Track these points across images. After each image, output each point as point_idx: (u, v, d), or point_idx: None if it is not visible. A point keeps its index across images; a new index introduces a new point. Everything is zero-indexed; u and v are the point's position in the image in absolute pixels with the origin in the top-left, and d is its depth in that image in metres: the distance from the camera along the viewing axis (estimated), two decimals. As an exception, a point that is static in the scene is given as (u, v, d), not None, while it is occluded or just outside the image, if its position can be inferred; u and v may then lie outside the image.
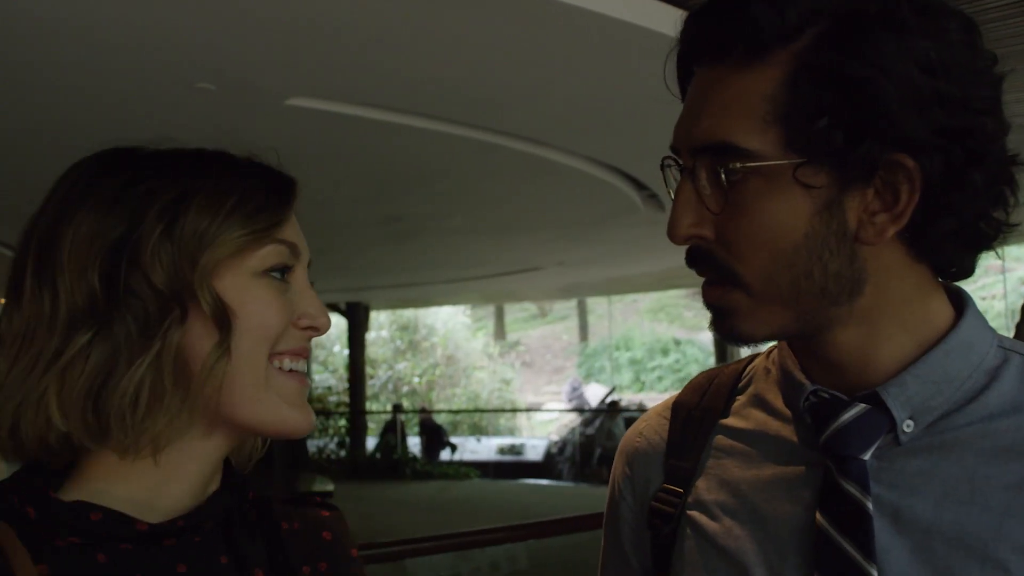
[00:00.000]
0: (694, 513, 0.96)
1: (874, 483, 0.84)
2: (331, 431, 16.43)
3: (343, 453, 15.52)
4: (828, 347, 0.86)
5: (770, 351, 0.98)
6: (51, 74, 3.74)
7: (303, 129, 4.48)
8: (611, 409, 15.38)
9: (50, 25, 3.26)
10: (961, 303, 0.89)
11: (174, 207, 0.81)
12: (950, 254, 0.83)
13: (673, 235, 0.85)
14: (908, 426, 0.84)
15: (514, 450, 16.12)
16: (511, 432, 20.88)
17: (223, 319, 0.80)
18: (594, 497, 9.94)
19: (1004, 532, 0.79)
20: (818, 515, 0.85)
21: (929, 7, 0.77)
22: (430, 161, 5.12)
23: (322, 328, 0.88)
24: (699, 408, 1.03)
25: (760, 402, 0.97)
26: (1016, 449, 0.81)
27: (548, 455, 15.51)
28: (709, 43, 0.82)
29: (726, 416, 1.00)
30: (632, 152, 4.99)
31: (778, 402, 0.94)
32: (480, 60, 3.77)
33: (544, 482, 14.22)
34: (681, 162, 0.84)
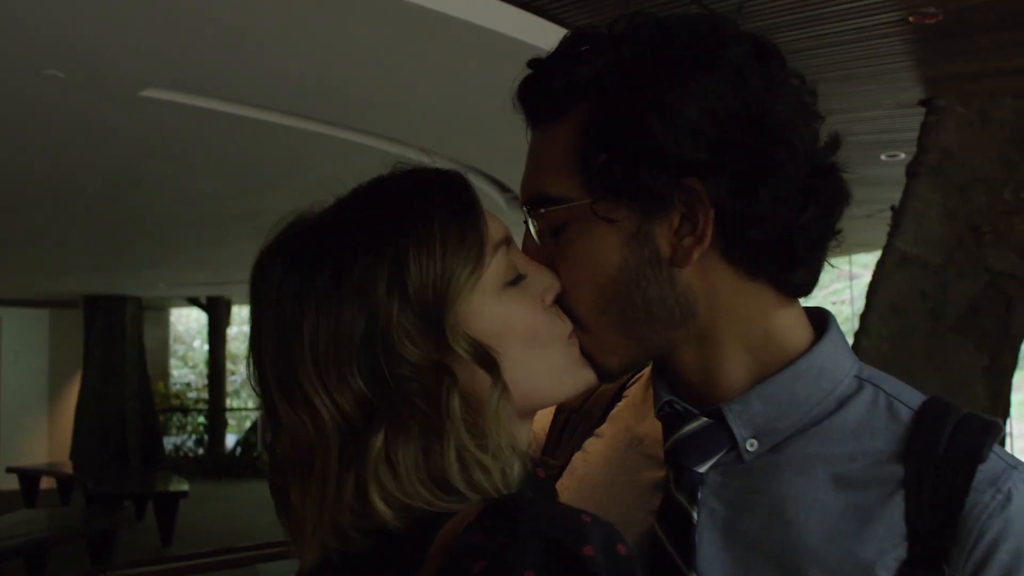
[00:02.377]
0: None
1: (714, 497, 0.88)
2: (189, 428, 15.96)
3: (201, 451, 15.08)
4: (677, 367, 0.91)
5: None
6: None
7: (159, 121, 4.34)
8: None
9: None
10: (824, 327, 0.91)
11: (398, 276, 0.77)
12: (772, 268, 0.85)
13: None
14: (751, 445, 0.87)
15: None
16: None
17: (488, 362, 0.79)
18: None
19: (821, 556, 0.82)
20: (655, 522, 0.89)
21: (712, 42, 0.83)
22: (290, 158, 5.04)
23: (554, 292, 0.87)
24: (579, 412, 1.07)
25: (633, 410, 1.01)
26: (848, 478, 0.84)
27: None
28: (527, 110, 0.90)
29: (602, 422, 1.04)
30: (495, 155, 5.03)
31: (648, 412, 0.97)
32: (341, 60, 3.74)
33: None
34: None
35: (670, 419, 0.92)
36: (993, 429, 0.83)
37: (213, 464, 14.07)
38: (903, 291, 4.31)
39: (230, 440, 15.35)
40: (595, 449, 1.02)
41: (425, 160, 0.89)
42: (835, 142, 0.87)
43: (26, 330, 13.91)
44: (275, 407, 0.79)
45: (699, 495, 0.87)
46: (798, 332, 0.91)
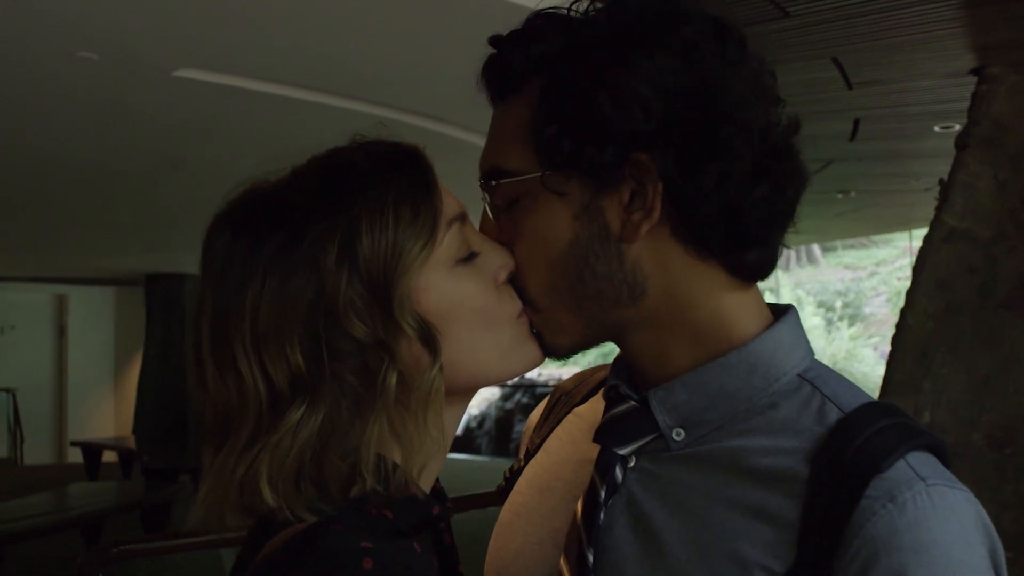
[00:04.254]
0: (517, 486, 1.04)
1: (638, 483, 0.88)
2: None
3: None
4: (629, 350, 0.91)
5: None
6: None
7: (194, 102, 4.38)
8: (531, 384, 15.45)
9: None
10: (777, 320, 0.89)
11: (349, 245, 0.76)
12: (723, 247, 0.85)
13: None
14: (678, 434, 0.87)
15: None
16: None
17: (431, 341, 0.78)
18: (510, 471, 9.96)
19: (726, 551, 0.80)
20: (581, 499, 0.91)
21: (668, 19, 0.83)
22: (327, 136, 5.04)
23: (507, 271, 0.87)
24: (569, 393, 1.11)
25: (604, 392, 1.01)
26: (763, 475, 0.81)
27: (467, 429, 15.54)
28: (489, 87, 0.92)
29: (582, 404, 1.07)
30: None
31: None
32: (373, 37, 3.73)
33: (462, 456, 14.25)
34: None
35: (610, 402, 0.93)
36: (918, 439, 0.79)
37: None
38: (951, 267, 4.17)
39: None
40: (568, 429, 1.04)
41: (384, 135, 0.89)
42: (794, 125, 0.87)
43: (92, 307, 14.26)
44: (204, 373, 0.79)
45: (616, 476, 0.87)
46: (747, 321, 0.88)
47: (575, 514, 0.91)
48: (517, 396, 15.11)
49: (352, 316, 0.76)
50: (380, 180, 0.80)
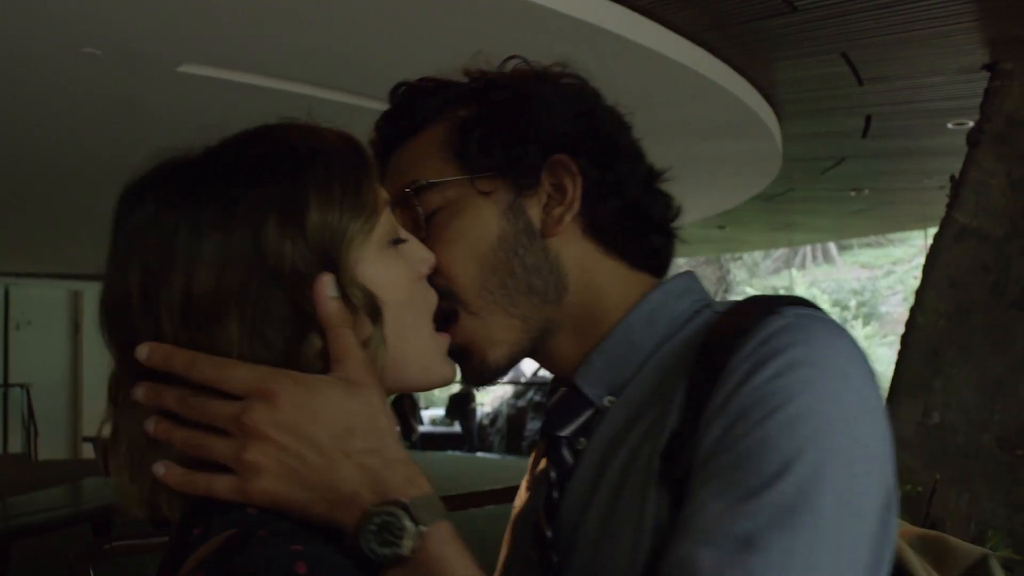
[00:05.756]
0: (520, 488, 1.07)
1: (587, 461, 0.91)
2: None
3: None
4: (552, 355, 0.96)
5: None
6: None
7: (199, 97, 4.38)
8: (542, 382, 15.45)
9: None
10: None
11: (293, 214, 0.75)
12: (626, 238, 0.94)
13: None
14: (609, 402, 0.91)
15: (447, 422, 16.13)
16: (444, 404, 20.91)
17: (375, 312, 0.77)
18: (522, 470, 9.97)
19: (640, 465, 0.83)
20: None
21: (551, 71, 0.97)
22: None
23: (429, 265, 0.88)
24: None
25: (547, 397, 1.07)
26: (666, 383, 0.85)
27: (480, 427, 15.56)
28: (389, 135, 0.97)
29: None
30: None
31: None
32: (381, 33, 3.72)
33: (476, 454, 14.26)
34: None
35: (550, 397, 0.99)
36: (784, 301, 0.82)
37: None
38: (962, 265, 4.12)
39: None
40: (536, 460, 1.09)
41: (314, 119, 0.87)
42: (657, 173, 0.99)
43: (106, 304, 14.31)
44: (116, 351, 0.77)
45: (565, 456, 0.91)
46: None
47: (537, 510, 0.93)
48: (529, 394, 15.12)
49: (299, 282, 0.73)
50: (325, 156, 0.79)
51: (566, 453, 0.91)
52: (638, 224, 0.95)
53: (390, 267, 0.81)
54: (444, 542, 0.68)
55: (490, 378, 0.93)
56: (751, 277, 25.35)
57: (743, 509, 0.70)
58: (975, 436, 3.91)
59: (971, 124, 4.39)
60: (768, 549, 0.68)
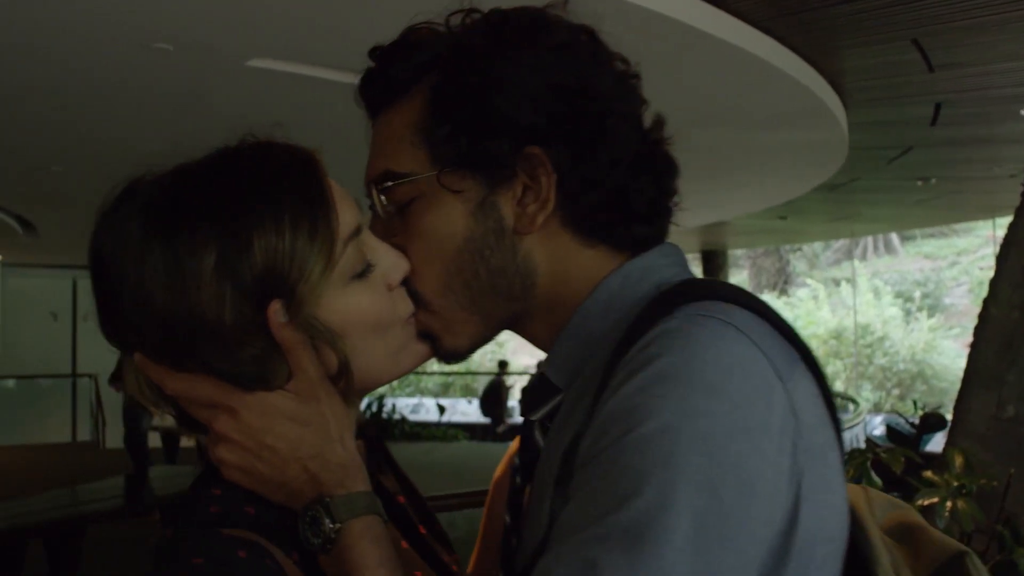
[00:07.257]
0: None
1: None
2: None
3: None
4: (527, 337, 0.94)
5: None
6: (3, 35, 3.70)
7: (268, 91, 4.44)
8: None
9: (-3, -17, 3.22)
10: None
11: (232, 258, 0.79)
12: (609, 228, 0.89)
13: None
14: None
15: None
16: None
17: (333, 341, 0.83)
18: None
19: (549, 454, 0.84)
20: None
21: (541, 23, 0.88)
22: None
23: (401, 273, 0.89)
24: None
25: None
26: (582, 393, 0.83)
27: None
28: (368, 100, 0.93)
29: None
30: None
31: None
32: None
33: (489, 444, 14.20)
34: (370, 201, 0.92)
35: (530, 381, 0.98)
36: (698, 293, 0.80)
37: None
38: (1037, 256, 4.00)
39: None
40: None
41: (278, 135, 0.88)
42: (659, 122, 0.92)
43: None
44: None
45: (537, 440, 0.91)
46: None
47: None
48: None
49: (241, 335, 0.79)
50: (274, 191, 0.80)
51: (538, 436, 0.91)
52: (621, 216, 0.89)
53: (353, 299, 0.84)
54: (358, 536, 0.79)
55: (452, 360, 0.94)
56: (811, 268, 24.99)
57: (594, 531, 0.68)
58: (1051, 430, 3.82)
59: (1046, 111, 4.27)
60: (611, 573, 0.66)
